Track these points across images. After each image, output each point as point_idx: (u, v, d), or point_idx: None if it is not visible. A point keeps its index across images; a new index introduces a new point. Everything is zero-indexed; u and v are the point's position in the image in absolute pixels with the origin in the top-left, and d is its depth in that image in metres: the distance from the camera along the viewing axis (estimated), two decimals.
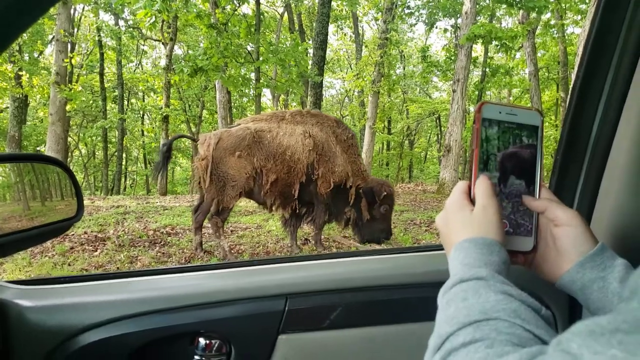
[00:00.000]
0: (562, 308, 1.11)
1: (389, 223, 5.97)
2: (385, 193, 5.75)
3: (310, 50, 14.25)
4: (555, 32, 18.77)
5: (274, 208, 5.80)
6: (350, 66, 27.65)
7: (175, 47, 18.83)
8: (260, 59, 12.87)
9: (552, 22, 18.19)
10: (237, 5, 13.15)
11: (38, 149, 21.23)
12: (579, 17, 16.14)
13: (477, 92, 21.27)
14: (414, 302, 1.17)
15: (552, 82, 22.12)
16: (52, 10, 17.03)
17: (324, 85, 16.21)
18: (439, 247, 1.21)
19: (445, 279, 0.67)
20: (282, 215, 6.04)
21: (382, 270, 1.21)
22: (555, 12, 16.36)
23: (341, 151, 5.82)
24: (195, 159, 5.56)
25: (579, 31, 18.85)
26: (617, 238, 0.93)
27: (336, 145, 5.82)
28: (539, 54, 19.82)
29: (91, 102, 22.27)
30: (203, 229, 5.85)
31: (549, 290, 0.88)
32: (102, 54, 20.31)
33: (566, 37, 19.19)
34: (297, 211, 5.91)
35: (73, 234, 6.68)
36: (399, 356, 1.16)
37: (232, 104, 21.33)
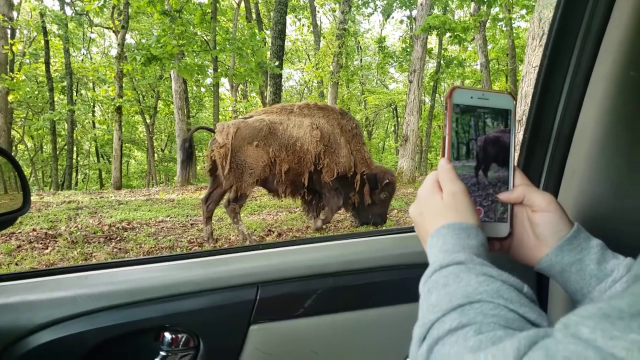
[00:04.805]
0: (531, 285, 1.13)
1: (386, 208, 6.42)
2: (388, 180, 6.15)
3: (269, 40, 14.03)
4: (503, 25, 19.46)
5: (284, 195, 6.12)
6: (309, 57, 27.56)
7: (127, 36, 18.04)
8: (217, 48, 12.52)
9: (501, 15, 18.82)
10: None
11: None
12: (525, 11, 16.80)
13: (432, 83, 21.75)
14: (390, 285, 1.16)
15: (501, 73, 22.93)
16: None
17: (283, 76, 16.04)
18: (413, 229, 1.20)
19: (420, 261, 0.66)
20: (303, 204, 6.50)
21: (356, 254, 1.19)
22: (504, 6, 16.94)
23: (345, 141, 6.13)
24: (214, 146, 5.64)
25: (524, 25, 19.72)
26: (583, 217, 0.94)
27: (341, 136, 6.12)
28: (489, 47, 20.50)
29: (37, 92, 21.02)
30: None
31: (515, 267, 0.89)
32: (47, 42, 19.15)
33: (514, 31, 19.94)
34: (307, 199, 6.29)
35: (20, 232, 6.30)
36: (375, 340, 1.15)
37: (189, 94, 20.77)
